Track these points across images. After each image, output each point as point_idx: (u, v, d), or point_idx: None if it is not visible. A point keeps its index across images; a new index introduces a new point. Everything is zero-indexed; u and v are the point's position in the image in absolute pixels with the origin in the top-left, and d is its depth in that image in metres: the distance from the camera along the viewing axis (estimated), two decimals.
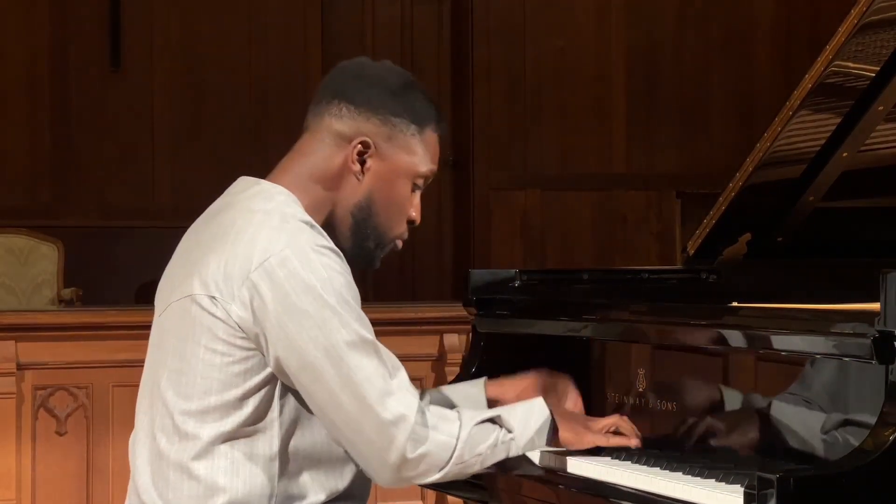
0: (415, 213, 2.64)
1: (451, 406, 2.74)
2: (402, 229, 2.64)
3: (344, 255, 2.55)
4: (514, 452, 2.58)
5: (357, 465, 2.54)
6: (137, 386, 2.63)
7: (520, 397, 2.79)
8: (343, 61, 2.66)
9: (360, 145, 2.57)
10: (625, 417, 2.73)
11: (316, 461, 2.53)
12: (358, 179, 2.58)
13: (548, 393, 2.82)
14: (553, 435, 2.63)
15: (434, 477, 2.49)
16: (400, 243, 2.66)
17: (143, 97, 7.73)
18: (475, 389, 2.88)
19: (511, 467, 2.67)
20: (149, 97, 7.75)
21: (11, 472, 4.69)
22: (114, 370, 4.77)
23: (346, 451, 2.52)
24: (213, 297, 2.45)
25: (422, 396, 2.80)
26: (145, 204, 7.70)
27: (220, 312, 2.44)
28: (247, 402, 2.46)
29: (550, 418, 2.62)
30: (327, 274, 2.43)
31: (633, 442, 2.69)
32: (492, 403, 2.82)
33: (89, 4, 7.66)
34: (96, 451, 4.79)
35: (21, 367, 4.73)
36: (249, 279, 2.43)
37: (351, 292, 2.47)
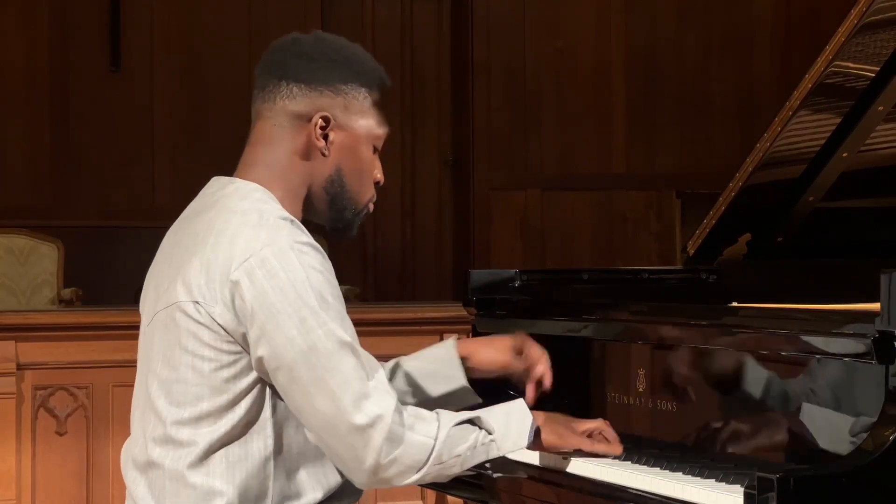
0: (379, 174, 2.65)
1: (425, 379, 2.77)
2: (371, 192, 2.65)
3: (325, 228, 2.58)
4: (494, 454, 2.54)
5: None
6: None
7: (492, 357, 2.82)
8: (273, 41, 2.64)
9: (321, 120, 2.55)
10: (608, 422, 2.70)
11: (310, 458, 2.52)
12: (324, 155, 2.56)
13: (518, 356, 2.83)
14: (535, 437, 2.60)
15: (412, 478, 2.46)
16: (371, 206, 2.67)
17: (143, 97, 7.73)
18: (443, 350, 2.86)
19: (510, 468, 2.67)
20: (149, 97, 7.75)
21: (11, 472, 4.69)
22: (114, 370, 4.76)
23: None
24: (197, 303, 2.43)
25: (393, 370, 2.80)
26: (145, 204, 7.70)
27: (204, 318, 2.43)
28: (239, 405, 2.45)
29: (531, 420, 2.59)
30: (305, 273, 2.42)
31: (616, 450, 2.66)
32: (464, 361, 2.82)
33: (89, 4, 7.66)
34: (96, 451, 4.79)
35: (21, 367, 4.73)
36: (230, 280, 2.41)
37: (331, 290, 2.45)
